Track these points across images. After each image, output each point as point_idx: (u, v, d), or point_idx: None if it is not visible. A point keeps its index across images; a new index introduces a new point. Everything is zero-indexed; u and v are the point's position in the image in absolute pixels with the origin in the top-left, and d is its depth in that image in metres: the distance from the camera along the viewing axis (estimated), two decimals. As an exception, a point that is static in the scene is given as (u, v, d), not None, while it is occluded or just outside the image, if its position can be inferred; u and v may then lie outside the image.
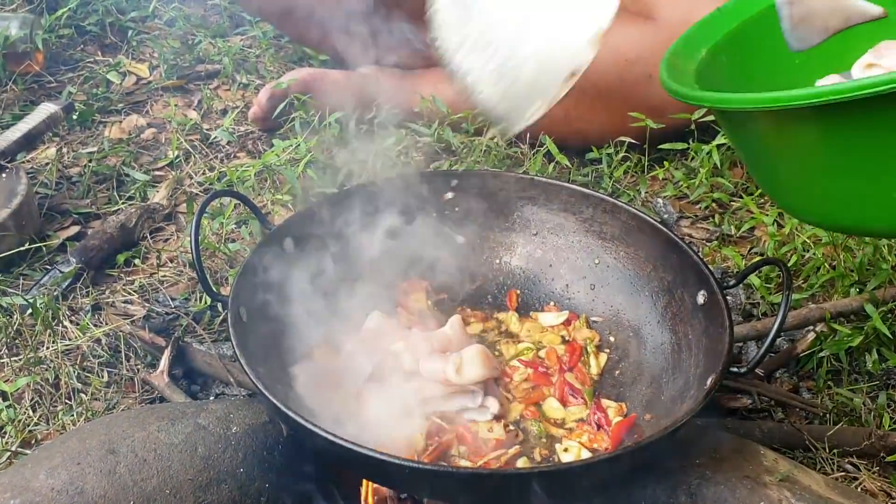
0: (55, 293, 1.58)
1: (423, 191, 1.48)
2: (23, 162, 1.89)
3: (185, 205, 1.84)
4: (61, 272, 1.62)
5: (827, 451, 1.41)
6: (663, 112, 1.86)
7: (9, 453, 1.35)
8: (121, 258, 1.70)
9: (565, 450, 1.25)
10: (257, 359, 1.19)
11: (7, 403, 1.41)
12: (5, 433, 1.38)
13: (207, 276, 1.27)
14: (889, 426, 1.46)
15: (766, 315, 1.65)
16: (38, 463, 1.14)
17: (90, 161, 1.91)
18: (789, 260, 1.69)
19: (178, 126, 2.04)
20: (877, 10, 1.14)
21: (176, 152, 1.97)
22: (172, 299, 1.63)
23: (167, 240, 1.78)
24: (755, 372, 1.51)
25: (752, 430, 1.40)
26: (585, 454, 1.24)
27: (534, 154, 1.92)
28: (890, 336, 1.54)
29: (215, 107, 2.14)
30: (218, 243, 1.70)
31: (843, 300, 1.63)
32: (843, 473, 1.40)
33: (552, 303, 1.49)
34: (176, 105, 2.13)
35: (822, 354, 1.55)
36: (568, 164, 1.88)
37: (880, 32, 1.17)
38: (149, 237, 1.76)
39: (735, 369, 1.25)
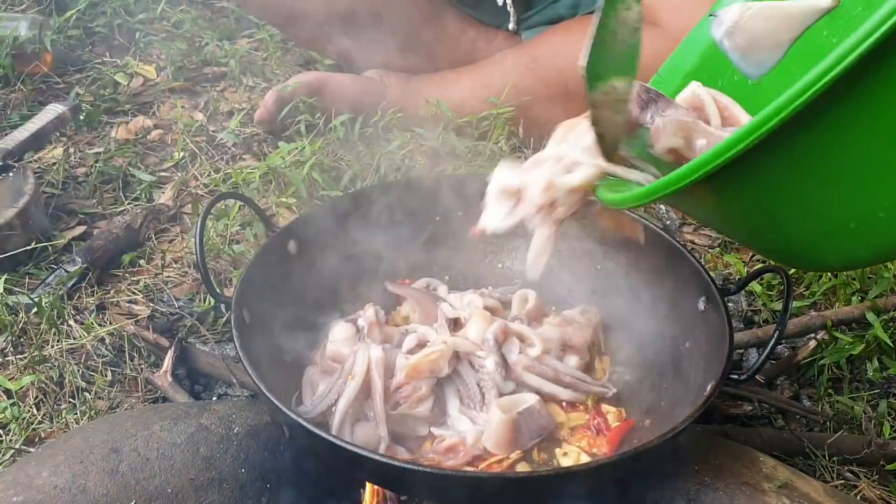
0: (60, 292, 1.59)
1: (427, 195, 1.48)
2: (30, 162, 1.90)
3: (190, 206, 1.85)
4: (67, 272, 1.63)
5: (827, 458, 1.41)
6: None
7: (12, 451, 1.35)
8: (126, 258, 1.71)
9: (565, 454, 1.26)
10: (260, 360, 1.20)
11: (11, 401, 1.42)
12: (9, 431, 1.39)
13: (211, 278, 1.27)
14: (889, 434, 1.46)
15: (767, 322, 1.66)
16: (42, 461, 1.14)
17: (97, 161, 1.92)
18: (791, 268, 1.69)
19: (185, 127, 2.05)
20: (825, 1, 1.02)
21: (182, 154, 1.98)
22: (176, 300, 1.64)
23: (172, 241, 1.78)
24: (756, 378, 1.52)
25: (752, 437, 1.40)
26: (585, 459, 1.24)
27: (538, 159, 1.92)
28: (891, 344, 1.54)
29: (221, 109, 2.15)
30: (222, 245, 1.70)
31: (844, 308, 1.63)
32: (842, 481, 1.40)
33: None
34: (182, 107, 2.14)
35: (823, 362, 1.55)
36: (571, 169, 1.88)
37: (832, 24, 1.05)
38: (154, 238, 1.77)
39: (735, 376, 1.24)
